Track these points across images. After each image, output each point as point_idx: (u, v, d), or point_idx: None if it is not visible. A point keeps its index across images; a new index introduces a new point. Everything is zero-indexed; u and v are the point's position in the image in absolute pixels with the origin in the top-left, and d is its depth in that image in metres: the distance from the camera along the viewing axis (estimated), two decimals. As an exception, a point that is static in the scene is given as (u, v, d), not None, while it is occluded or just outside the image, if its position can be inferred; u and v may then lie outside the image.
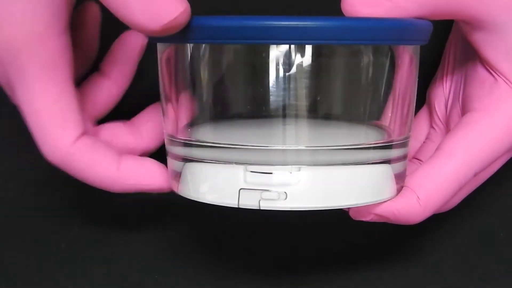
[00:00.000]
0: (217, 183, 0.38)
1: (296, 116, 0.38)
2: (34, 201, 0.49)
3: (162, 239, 0.49)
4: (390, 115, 0.39)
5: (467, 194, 0.43)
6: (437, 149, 0.41)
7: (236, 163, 0.38)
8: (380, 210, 0.40)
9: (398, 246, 0.49)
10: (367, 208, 0.40)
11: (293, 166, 0.37)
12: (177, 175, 0.40)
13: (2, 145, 0.50)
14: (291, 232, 0.49)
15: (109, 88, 0.44)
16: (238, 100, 0.39)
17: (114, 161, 0.41)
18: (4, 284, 0.47)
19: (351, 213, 0.41)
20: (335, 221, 0.47)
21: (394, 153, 0.39)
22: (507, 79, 0.42)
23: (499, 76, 0.42)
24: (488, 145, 0.41)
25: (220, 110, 0.39)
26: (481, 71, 0.43)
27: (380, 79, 0.39)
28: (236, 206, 0.38)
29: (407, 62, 0.39)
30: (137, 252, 0.48)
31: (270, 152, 0.38)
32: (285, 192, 0.37)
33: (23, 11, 0.38)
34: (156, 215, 0.49)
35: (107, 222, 0.49)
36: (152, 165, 0.42)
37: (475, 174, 0.41)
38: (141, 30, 0.36)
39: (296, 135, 0.38)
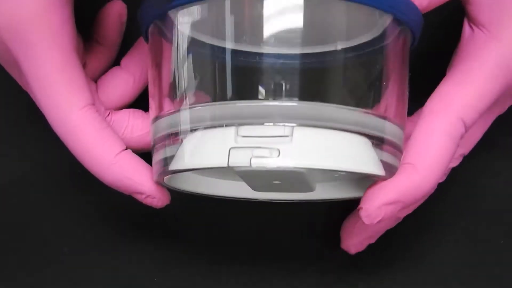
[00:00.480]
0: (206, 146, 0.37)
1: (291, 73, 0.37)
2: (36, 206, 0.49)
3: (163, 244, 0.49)
4: (384, 98, 0.39)
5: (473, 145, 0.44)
6: (421, 112, 0.41)
7: (227, 124, 0.37)
8: (385, 197, 0.39)
9: (398, 248, 0.49)
10: (374, 203, 0.39)
11: (286, 124, 0.36)
12: (165, 161, 0.39)
13: (4, 149, 0.50)
14: (291, 235, 0.49)
15: (126, 80, 0.45)
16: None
17: (115, 146, 0.41)
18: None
19: (363, 219, 0.39)
20: (334, 224, 0.47)
21: (388, 131, 0.39)
22: (485, 28, 0.41)
23: (477, 27, 0.42)
24: (470, 96, 0.40)
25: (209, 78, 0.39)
26: (465, 29, 0.42)
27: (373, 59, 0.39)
28: (226, 166, 0.36)
29: (399, 45, 0.39)
30: (139, 257, 0.49)
31: (262, 108, 0.37)
32: (278, 149, 0.36)
33: None
34: (157, 221, 0.49)
35: (109, 227, 0.49)
36: (150, 168, 0.41)
37: (467, 129, 0.40)
38: None
39: (290, 91, 0.37)
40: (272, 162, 0.36)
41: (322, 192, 0.43)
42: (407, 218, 0.45)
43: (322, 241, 0.49)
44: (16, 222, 0.49)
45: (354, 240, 0.46)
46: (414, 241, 0.48)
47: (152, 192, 0.41)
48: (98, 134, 0.41)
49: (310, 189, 0.40)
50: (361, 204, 0.39)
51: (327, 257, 0.49)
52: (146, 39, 0.41)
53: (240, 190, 0.43)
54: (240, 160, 0.36)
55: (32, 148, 0.47)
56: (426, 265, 0.48)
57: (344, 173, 0.39)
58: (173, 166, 0.38)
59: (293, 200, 0.45)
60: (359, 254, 0.47)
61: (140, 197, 0.41)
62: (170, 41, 0.40)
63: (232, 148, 0.36)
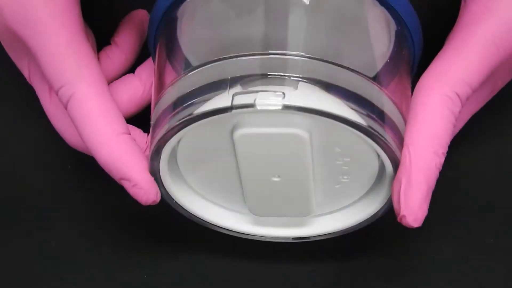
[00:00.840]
0: (209, 99, 0.37)
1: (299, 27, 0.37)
2: (29, 201, 0.48)
3: (154, 237, 0.48)
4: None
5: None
6: (417, 87, 0.40)
7: (232, 78, 0.36)
8: (419, 193, 0.38)
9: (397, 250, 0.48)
10: (414, 206, 0.38)
11: (292, 76, 0.36)
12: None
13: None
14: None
15: (137, 88, 0.45)
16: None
17: (119, 126, 0.40)
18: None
19: (412, 224, 0.39)
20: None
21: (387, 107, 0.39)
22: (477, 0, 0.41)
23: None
24: (464, 71, 0.40)
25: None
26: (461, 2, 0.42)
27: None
28: (229, 106, 0.36)
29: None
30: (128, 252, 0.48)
31: (268, 60, 0.37)
32: (282, 92, 0.36)
33: None
34: (149, 215, 0.48)
35: (101, 223, 0.48)
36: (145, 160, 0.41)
37: (462, 104, 0.40)
38: None
39: (297, 46, 0.37)
40: (277, 101, 0.35)
41: (320, 225, 0.43)
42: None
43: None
44: (9, 217, 0.48)
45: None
46: (409, 240, 0.48)
47: (140, 181, 0.40)
48: (103, 109, 0.40)
49: (309, 208, 0.41)
50: (401, 212, 0.39)
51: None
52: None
53: (240, 222, 0.43)
54: (244, 101, 0.36)
55: (21, 142, 0.46)
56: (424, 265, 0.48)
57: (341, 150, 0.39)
58: (176, 119, 0.38)
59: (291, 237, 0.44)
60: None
61: (127, 185, 0.40)
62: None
63: (236, 94, 0.36)
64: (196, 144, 0.40)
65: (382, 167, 0.40)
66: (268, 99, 0.36)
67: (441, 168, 0.39)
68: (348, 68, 0.37)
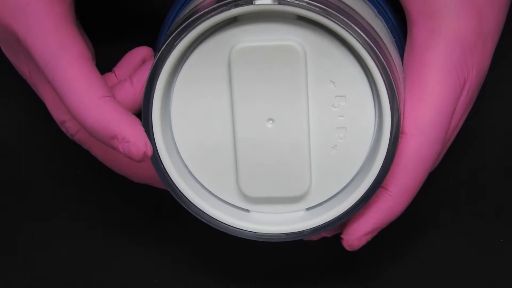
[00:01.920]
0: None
1: None
2: (35, 205, 0.49)
3: (163, 244, 0.48)
4: None
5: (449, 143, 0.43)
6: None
7: None
8: (364, 228, 0.41)
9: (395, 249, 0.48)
10: (355, 235, 0.41)
11: None
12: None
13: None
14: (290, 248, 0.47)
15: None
16: None
17: (101, 90, 0.40)
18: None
19: (346, 247, 0.41)
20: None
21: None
22: (420, 20, 0.41)
23: (410, 18, 0.41)
24: (433, 112, 0.40)
25: None
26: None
27: None
28: (230, 9, 0.37)
29: None
30: (137, 257, 0.47)
31: None
32: None
33: None
34: (157, 220, 0.48)
35: (108, 226, 0.48)
36: (133, 118, 0.40)
37: (444, 143, 0.41)
38: None
39: None
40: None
41: (313, 218, 0.42)
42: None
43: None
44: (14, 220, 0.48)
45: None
46: (413, 240, 0.48)
47: (128, 134, 0.39)
48: (86, 76, 0.40)
49: (305, 179, 0.40)
50: (343, 235, 0.42)
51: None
52: None
53: (232, 215, 0.42)
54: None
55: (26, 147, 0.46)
56: (423, 263, 0.47)
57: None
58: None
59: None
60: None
61: (116, 144, 0.39)
62: None
63: None
64: (192, 91, 0.40)
65: (379, 124, 0.39)
66: None
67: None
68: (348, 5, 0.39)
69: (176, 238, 0.48)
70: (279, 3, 0.37)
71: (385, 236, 0.44)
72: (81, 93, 0.40)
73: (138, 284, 0.47)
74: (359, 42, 0.38)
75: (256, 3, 0.37)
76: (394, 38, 0.44)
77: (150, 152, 0.39)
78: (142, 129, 0.39)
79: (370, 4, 0.43)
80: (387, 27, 0.43)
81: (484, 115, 0.48)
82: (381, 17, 0.43)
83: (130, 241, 0.48)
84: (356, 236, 0.41)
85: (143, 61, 0.45)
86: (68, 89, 0.40)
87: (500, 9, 0.42)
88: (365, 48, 0.38)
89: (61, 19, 0.41)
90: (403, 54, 0.43)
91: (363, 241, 0.41)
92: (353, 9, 0.40)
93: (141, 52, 0.46)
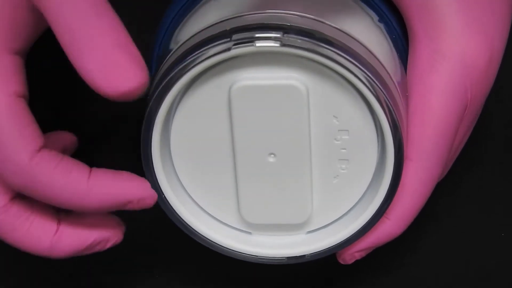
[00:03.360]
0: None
1: None
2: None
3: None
4: None
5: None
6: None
7: (231, 28, 0.36)
8: (358, 245, 0.41)
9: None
10: (348, 250, 0.41)
11: (291, 24, 0.36)
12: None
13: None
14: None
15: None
16: None
17: (82, 171, 0.37)
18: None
19: (338, 259, 0.42)
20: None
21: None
22: (422, 39, 0.40)
23: (413, 36, 0.40)
24: (435, 136, 0.39)
25: None
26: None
27: None
28: (228, 51, 0.36)
29: None
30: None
31: (266, 15, 0.37)
32: (282, 33, 0.36)
33: None
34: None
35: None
36: (129, 174, 0.39)
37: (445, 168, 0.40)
38: (96, 90, 0.35)
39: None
40: (275, 43, 0.36)
41: (315, 242, 0.41)
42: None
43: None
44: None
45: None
46: (410, 236, 0.46)
47: (145, 194, 0.38)
48: (60, 167, 0.37)
49: (306, 208, 0.40)
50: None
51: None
52: None
53: (232, 238, 0.42)
54: (243, 39, 0.36)
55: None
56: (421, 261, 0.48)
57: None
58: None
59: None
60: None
61: (131, 206, 0.39)
62: None
63: (235, 35, 0.36)
64: (191, 124, 0.39)
65: (382, 155, 0.39)
66: (267, 40, 0.36)
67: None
68: (348, 34, 0.38)
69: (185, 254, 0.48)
70: (282, 45, 0.36)
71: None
72: (68, 188, 0.37)
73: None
74: (363, 83, 0.37)
75: (257, 45, 0.36)
76: (398, 48, 0.42)
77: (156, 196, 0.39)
78: (145, 181, 0.39)
79: (371, 11, 0.42)
80: (388, 38, 0.42)
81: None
82: (382, 25, 0.42)
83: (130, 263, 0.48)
84: (349, 251, 0.41)
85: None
86: (48, 183, 0.36)
87: (505, 29, 0.40)
88: (369, 90, 0.37)
89: None
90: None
91: (356, 256, 0.42)
92: (352, 37, 0.38)
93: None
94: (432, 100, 0.39)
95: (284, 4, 0.38)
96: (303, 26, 0.36)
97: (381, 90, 0.37)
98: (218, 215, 0.41)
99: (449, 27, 0.39)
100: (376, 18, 0.42)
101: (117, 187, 0.38)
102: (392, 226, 0.40)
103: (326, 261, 0.42)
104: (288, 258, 0.41)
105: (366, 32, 0.40)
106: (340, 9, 0.40)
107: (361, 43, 0.38)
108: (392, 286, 0.49)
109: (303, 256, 0.41)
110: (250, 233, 0.42)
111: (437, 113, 0.39)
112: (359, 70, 0.36)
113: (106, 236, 0.40)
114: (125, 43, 0.35)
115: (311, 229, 0.41)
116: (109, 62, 0.34)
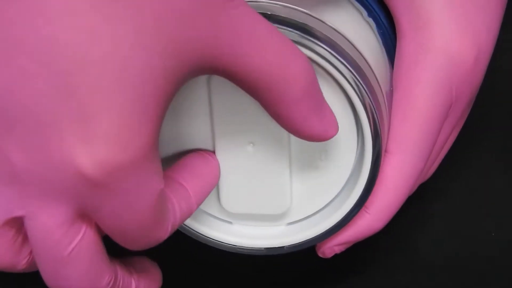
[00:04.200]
0: None
1: None
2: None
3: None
4: None
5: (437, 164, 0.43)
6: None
7: None
8: (336, 239, 0.41)
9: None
10: (327, 243, 0.41)
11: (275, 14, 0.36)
12: None
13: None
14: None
15: None
16: None
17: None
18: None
19: (318, 253, 0.42)
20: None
21: None
22: (408, 33, 0.39)
23: (400, 30, 0.40)
24: (418, 133, 0.39)
25: None
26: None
27: None
28: None
29: None
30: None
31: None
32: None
33: None
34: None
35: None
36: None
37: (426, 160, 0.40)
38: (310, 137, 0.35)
39: None
40: None
41: (294, 233, 0.41)
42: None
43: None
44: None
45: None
46: (405, 236, 0.48)
47: None
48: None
49: (285, 198, 0.39)
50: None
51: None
52: None
53: (212, 227, 0.42)
54: None
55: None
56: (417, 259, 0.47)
57: None
58: None
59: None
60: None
61: None
62: None
63: None
64: (173, 112, 0.38)
65: (361, 148, 0.39)
66: None
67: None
68: (333, 28, 0.37)
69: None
70: None
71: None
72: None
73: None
74: (343, 76, 0.36)
75: None
76: (387, 43, 0.42)
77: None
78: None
79: (360, 6, 0.41)
80: (376, 32, 0.41)
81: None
82: (371, 20, 0.41)
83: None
84: (328, 245, 0.41)
85: None
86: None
87: (495, 27, 0.40)
88: (350, 85, 0.37)
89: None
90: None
91: (336, 250, 0.41)
92: (338, 32, 0.38)
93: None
94: (415, 94, 0.39)
95: None
96: (287, 17, 0.36)
97: (363, 87, 0.37)
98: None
99: (435, 22, 0.39)
100: (365, 13, 0.41)
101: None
102: (372, 220, 0.40)
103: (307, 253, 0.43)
104: (267, 249, 0.42)
105: (354, 28, 0.40)
106: (329, 2, 0.40)
107: (346, 38, 0.38)
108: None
109: (282, 247, 0.41)
110: (230, 222, 0.42)
111: (419, 107, 0.39)
112: (342, 65, 0.36)
113: None
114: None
115: (291, 221, 0.41)
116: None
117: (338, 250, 0.42)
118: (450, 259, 0.47)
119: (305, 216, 0.41)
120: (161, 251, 0.46)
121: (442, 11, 0.39)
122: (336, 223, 0.40)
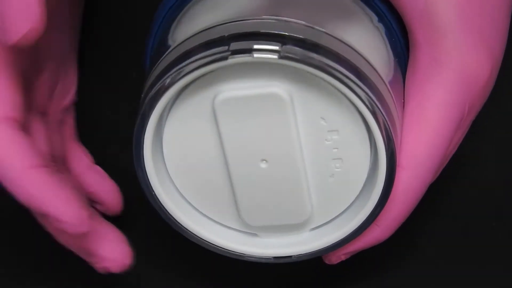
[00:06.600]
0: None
1: None
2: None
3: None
4: None
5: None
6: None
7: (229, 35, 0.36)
8: (344, 248, 0.41)
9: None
10: (336, 252, 0.41)
11: (288, 33, 0.35)
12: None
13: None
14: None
15: None
16: None
17: (30, 159, 0.38)
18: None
19: (324, 260, 0.42)
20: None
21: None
22: (423, 48, 0.39)
23: (414, 44, 0.39)
24: (431, 145, 0.39)
25: None
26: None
27: None
28: (225, 60, 0.35)
29: None
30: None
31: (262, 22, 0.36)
32: (280, 44, 0.35)
33: None
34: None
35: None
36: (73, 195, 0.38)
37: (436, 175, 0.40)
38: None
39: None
40: (273, 54, 0.35)
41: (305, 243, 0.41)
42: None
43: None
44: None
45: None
46: (405, 236, 0.47)
47: (59, 214, 0.37)
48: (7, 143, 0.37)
49: (304, 208, 0.39)
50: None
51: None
52: None
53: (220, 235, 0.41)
54: (241, 47, 0.35)
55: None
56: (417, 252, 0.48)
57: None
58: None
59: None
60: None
61: (47, 223, 0.39)
62: None
63: (233, 43, 0.35)
64: (183, 129, 0.38)
65: (375, 158, 0.38)
66: (266, 52, 0.35)
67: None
68: (343, 41, 0.37)
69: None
70: (280, 57, 0.35)
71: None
72: (5, 163, 0.37)
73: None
74: (358, 96, 0.36)
75: (255, 56, 0.35)
76: (397, 50, 0.41)
77: (85, 228, 0.38)
78: (76, 204, 0.38)
79: (371, 12, 0.41)
80: (386, 40, 0.41)
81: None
82: (382, 27, 0.41)
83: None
84: (336, 253, 0.42)
85: None
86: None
87: (504, 39, 0.40)
88: (364, 104, 0.36)
89: None
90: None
91: (342, 258, 0.42)
92: (353, 49, 0.37)
93: None
94: (429, 110, 0.39)
95: (281, 5, 0.38)
96: (301, 37, 0.36)
97: (375, 103, 0.36)
98: (219, 219, 0.41)
99: (450, 36, 0.38)
100: (375, 18, 0.41)
101: (42, 191, 0.37)
102: (380, 233, 0.41)
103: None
104: (275, 258, 0.42)
105: (364, 35, 0.40)
106: (338, 9, 0.40)
107: (362, 56, 0.38)
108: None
109: (290, 257, 0.41)
110: (255, 234, 0.42)
111: (432, 124, 0.39)
112: (354, 84, 0.36)
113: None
114: None
115: (313, 227, 0.41)
116: None
117: (344, 257, 0.42)
118: (450, 258, 0.48)
119: (327, 221, 0.41)
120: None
121: (457, 25, 0.38)
122: (347, 235, 0.40)
